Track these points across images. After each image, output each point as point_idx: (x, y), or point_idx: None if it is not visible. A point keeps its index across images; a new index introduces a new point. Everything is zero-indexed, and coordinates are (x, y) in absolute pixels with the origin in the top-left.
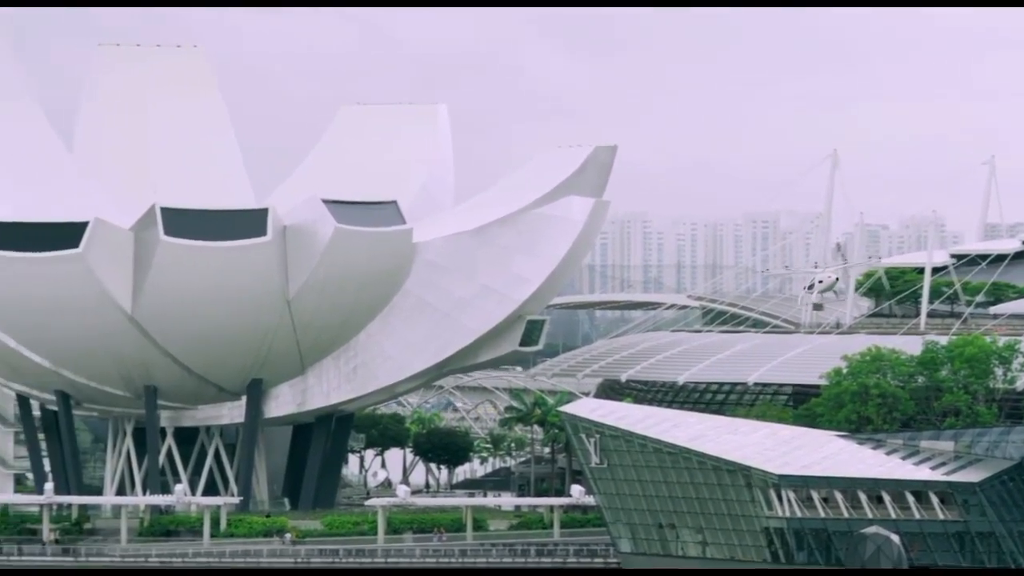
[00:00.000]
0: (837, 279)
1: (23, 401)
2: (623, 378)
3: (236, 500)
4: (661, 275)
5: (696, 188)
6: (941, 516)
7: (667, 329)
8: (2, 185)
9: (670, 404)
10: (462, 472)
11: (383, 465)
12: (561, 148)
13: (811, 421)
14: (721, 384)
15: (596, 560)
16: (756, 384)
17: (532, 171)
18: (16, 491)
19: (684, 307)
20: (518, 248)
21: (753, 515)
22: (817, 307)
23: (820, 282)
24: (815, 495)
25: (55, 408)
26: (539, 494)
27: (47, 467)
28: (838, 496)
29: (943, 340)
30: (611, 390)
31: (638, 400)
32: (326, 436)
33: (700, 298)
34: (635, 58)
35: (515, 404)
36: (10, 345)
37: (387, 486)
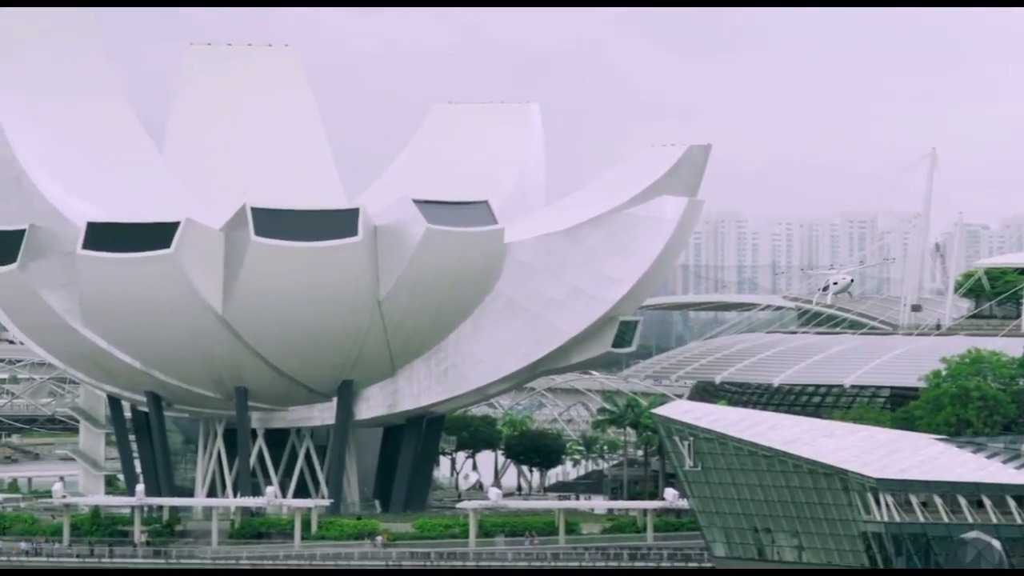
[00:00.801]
0: (852, 280)
1: (114, 402)
2: (717, 380)
3: (327, 502)
4: (756, 275)
5: (792, 187)
6: None
7: (762, 330)
8: (93, 185)
9: (765, 406)
10: (554, 475)
11: (474, 467)
12: (654, 147)
13: (909, 424)
14: (817, 386)
15: (690, 564)
16: (853, 386)
17: (625, 171)
18: (107, 493)
19: (779, 308)
20: (610, 249)
21: (850, 519)
22: (916, 308)
23: (835, 283)
24: (914, 499)
25: (146, 409)
26: (632, 497)
27: (138, 469)
28: (937, 500)
29: None
30: (705, 392)
31: (732, 402)
32: (417, 438)
33: (796, 299)
34: (729, 57)
35: (608, 406)
36: (101, 346)
37: (478, 489)
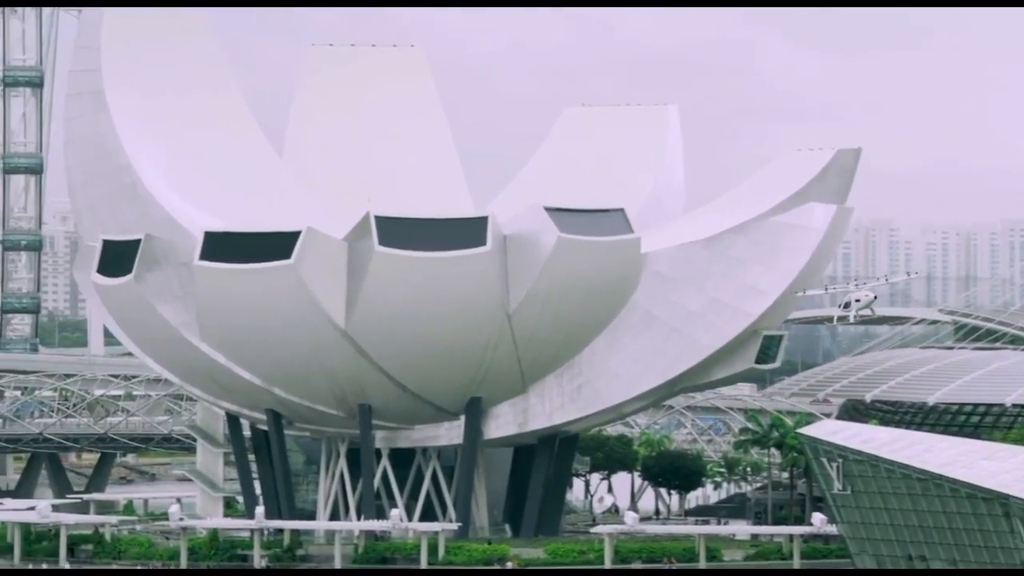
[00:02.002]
0: (875, 297)
1: (233, 421)
2: (868, 398)
3: (455, 526)
4: (909, 287)
5: (948, 193)
6: None
7: (916, 345)
8: (210, 192)
9: (919, 427)
10: (694, 498)
11: (610, 490)
12: (800, 151)
13: None
14: (976, 405)
15: None
16: (1015, 406)
17: (769, 176)
18: (226, 515)
19: (935, 322)
20: (753, 259)
21: (1013, 548)
22: None
23: (857, 301)
24: None
25: (266, 428)
26: (777, 522)
27: (258, 490)
28: None
29: None
30: (855, 411)
31: (884, 422)
32: (549, 459)
33: (952, 312)
34: (877, 57)
35: (751, 426)
36: (219, 361)
37: (614, 512)
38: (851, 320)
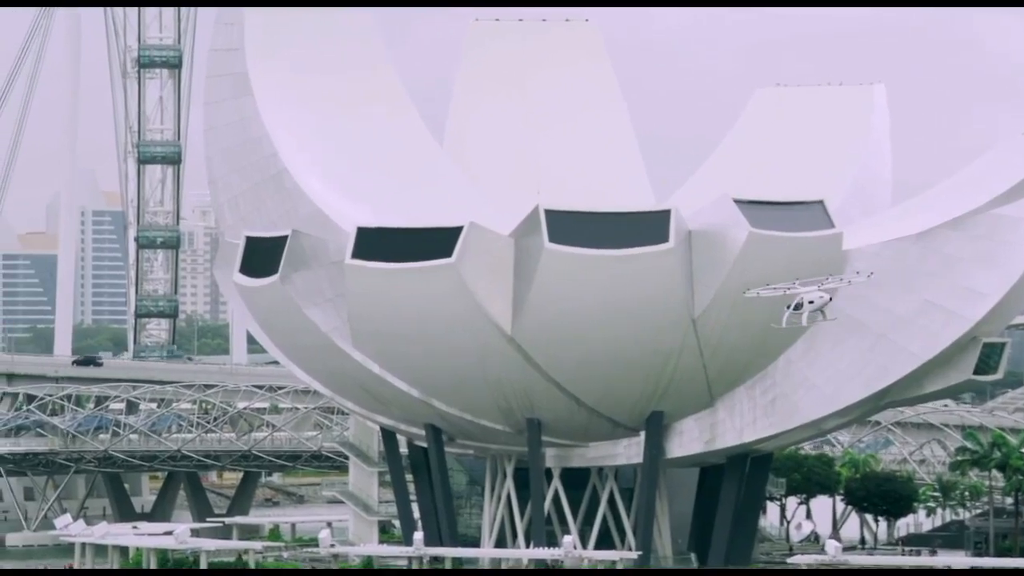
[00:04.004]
0: (830, 299)
1: (388, 437)
2: None
3: (635, 555)
4: None
5: None
6: None
7: None
8: (364, 185)
9: None
10: (904, 525)
11: (808, 515)
12: None
13: None
14: None
15: None
16: None
17: (989, 164)
18: (381, 541)
19: None
20: (972, 257)
21: None
22: None
23: (810, 302)
24: None
25: (425, 445)
26: (1000, 553)
27: (416, 513)
28: None
29: None
30: None
31: None
32: (739, 480)
33: None
34: None
35: (969, 445)
36: (373, 371)
37: (814, 540)
38: (804, 323)
